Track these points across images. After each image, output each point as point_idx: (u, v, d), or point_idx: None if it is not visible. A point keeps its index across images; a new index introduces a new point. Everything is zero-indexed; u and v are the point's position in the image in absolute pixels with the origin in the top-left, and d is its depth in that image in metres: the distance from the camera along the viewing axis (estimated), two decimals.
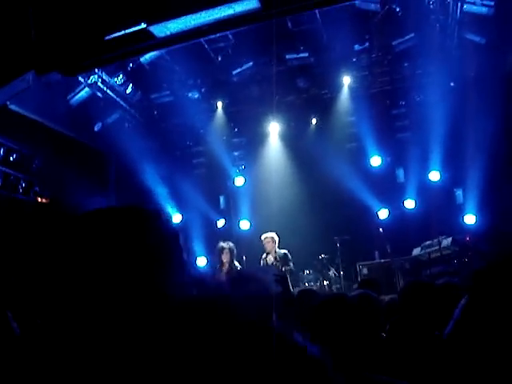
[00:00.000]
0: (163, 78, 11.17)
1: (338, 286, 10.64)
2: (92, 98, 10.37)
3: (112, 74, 10.66)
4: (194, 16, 5.48)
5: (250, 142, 12.93)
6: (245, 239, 11.58)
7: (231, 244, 9.56)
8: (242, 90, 11.68)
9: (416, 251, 10.48)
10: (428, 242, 10.21)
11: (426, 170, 11.24)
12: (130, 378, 1.09)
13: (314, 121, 12.43)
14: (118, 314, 1.14)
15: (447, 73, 10.43)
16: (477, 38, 9.71)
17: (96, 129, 10.82)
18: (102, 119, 10.97)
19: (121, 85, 11.06)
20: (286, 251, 9.58)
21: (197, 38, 6.57)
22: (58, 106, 9.88)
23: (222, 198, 13.18)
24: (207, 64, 10.97)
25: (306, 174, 11.99)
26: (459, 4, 9.14)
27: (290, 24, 9.86)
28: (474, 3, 8.96)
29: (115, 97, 10.93)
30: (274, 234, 9.64)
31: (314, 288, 9.56)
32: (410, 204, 11.45)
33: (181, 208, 12.65)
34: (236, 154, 13.05)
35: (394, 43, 10.43)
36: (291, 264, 9.48)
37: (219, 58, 10.79)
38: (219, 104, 12.26)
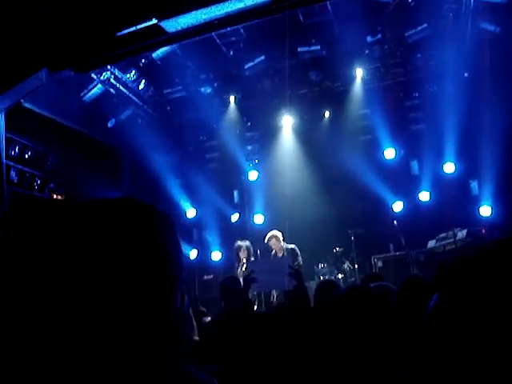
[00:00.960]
0: (175, 73, 11.18)
1: (353, 279, 10.61)
2: (105, 94, 10.42)
3: (124, 71, 10.69)
4: (204, 10, 5.47)
5: (263, 136, 12.91)
6: (259, 233, 11.58)
7: (248, 242, 9.71)
8: (254, 84, 11.66)
9: (431, 243, 10.42)
10: (443, 234, 10.13)
11: (440, 161, 11.14)
12: None
13: (327, 114, 12.37)
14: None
15: (461, 63, 10.31)
16: (491, 27, 9.59)
17: (109, 125, 10.87)
18: (115, 115, 11.02)
19: (133, 81, 11.10)
20: (293, 246, 9.52)
21: (208, 32, 6.57)
22: (72, 103, 9.94)
23: (235, 193, 13.18)
24: (219, 58, 10.96)
25: (320, 168, 11.94)
26: None
27: (301, 17, 9.81)
28: None
29: (128, 93, 10.97)
30: (275, 232, 9.60)
31: (333, 279, 9.57)
32: (424, 196, 11.37)
33: (195, 203, 12.70)
34: (249, 148, 13.03)
35: (406, 34, 10.33)
36: (300, 259, 9.45)
37: (231, 53, 10.78)
38: (232, 98, 12.24)
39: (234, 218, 12.79)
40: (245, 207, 12.78)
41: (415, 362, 2.28)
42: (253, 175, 12.86)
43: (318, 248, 11.01)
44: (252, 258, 9.62)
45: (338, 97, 12.01)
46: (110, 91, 10.45)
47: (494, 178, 10.16)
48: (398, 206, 11.52)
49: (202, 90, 11.83)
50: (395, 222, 10.47)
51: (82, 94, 10.14)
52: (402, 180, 11.56)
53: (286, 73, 11.03)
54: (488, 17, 9.49)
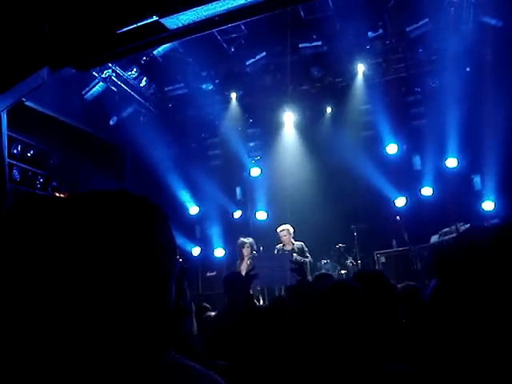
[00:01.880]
0: (177, 70, 11.18)
1: None
2: (106, 92, 10.43)
3: (125, 68, 10.69)
4: (205, 7, 5.46)
5: (264, 133, 12.90)
6: (262, 230, 11.61)
7: (251, 239, 9.84)
8: (255, 81, 11.64)
9: (434, 239, 10.40)
10: (446, 230, 10.11)
11: (442, 156, 11.13)
12: None
13: (328, 109, 12.36)
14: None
15: (463, 58, 10.29)
16: (493, 21, 9.55)
17: (111, 123, 10.88)
18: (116, 113, 11.03)
19: (135, 78, 11.09)
20: (302, 243, 9.66)
21: (209, 29, 6.54)
22: (73, 102, 9.96)
23: (238, 189, 13.18)
24: (220, 55, 10.96)
25: (322, 163, 11.94)
26: None
27: (302, 13, 9.79)
28: None
29: (129, 90, 10.96)
30: (289, 226, 9.71)
31: (330, 273, 9.58)
32: (427, 191, 11.36)
33: (197, 200, 12.71)
34: (251, 144, 13.03)
35: (408, 29, 10.30)
36: (309, 256, 9.57)
37: (232, 49, 10.77)
38: (233, 95, 12.24)
39: (237, 214, 12.80)
40: (247, 204, 12.79)
41: (411, 353, 2.28)
42: (255, 172, 12.86)
43: (321, 244, 11.01)
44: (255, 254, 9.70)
45: (339, 92, 12.00)
46: (111, 89, 10.45)
47: (496, 173, 10.14)
48: (400, 202, 11.51)
49: (204, 86, 11.82)
50: (398, 217, 10.46)
51: (83, 92, 10.15)
52: (405, 175, 11.55)
53: (288, 69, 11.02)
54: (489, 10, 9.45)
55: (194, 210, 12.71)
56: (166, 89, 12.03)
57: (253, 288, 7.73)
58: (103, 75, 10.09)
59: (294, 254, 9.15)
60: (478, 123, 10.09)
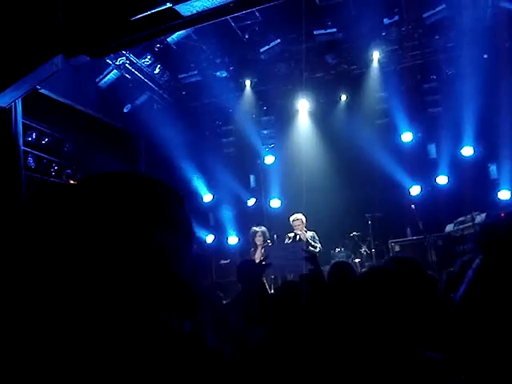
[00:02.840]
0: (191, 57, 11.15)
1: (370, 263, 10.58)
2: (120, 79, 10.42)
3: (139, 55, 10.67)
4: None
5: (279, 120, 12.84)
6: (275, 218, 11.60)
7: (264, 228, 9.86)
8: (270, 68, 11.59)
9: (449, 228, 10.34)
10: (461, 219, 10.05)
11: (458, 145, 11.03)
12: None
13: (343, 97, 12.28)
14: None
15: (480, 44, 10.13)
16: None
17: (125, 110, 10.89)
18: (130, 101, 11.03)
19: (148, 66, 11.06)
20: (314, 233, 9.64)
21: (223, 15, 6.49)
22: (88, 89, 9.97)
23: (252, 177, 13.17)
24: (234, 42, 10.90)
25: (336, 151, 11.89)
26: None
27: None
28: None
29: (143, 78, 10.95)
30: (302, 215, 9.68)
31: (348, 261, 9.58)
32: (442, 180, 11.28)
33: (211, 187, 12.72)
34: (265, 132, 12.99)
35: (424, 15, 10.15)
36: (319, 245, 9.54)
37: (246, 36, 10.70)
38: (247, 82, 12.19)
39: (251, 202, 12.80)
40: (261, 192, 12.78)
41: (450, 339, 2.24)
42: (269, 159, 12.84)
43: (335, 232, 11.00)
44: (269, 243, 9.70)
45: (354, 80, 11.90)
46: (125, 76, 10.44)
47: None
48: (415, 190, 11.45)
49: (218, 74, 11.77)
50: (413, 206, 10.39)
51: (97, 80, 10.15)
52: (420, 164, 11.47)
53: (302, 56, 10.95)
54: None
55: (207, 197, 12.73)
56: (179, 76, 11.98)
57: (266, 276, 7.75)
58: (117, 62, 10.08)
59: (309, 241, 9.14)
60: (495, 112, 9.97)
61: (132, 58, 10.36)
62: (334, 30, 10.50)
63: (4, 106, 6.37)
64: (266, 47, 10.93)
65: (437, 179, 11.30)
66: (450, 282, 3.79)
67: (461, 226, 9.96)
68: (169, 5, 5.36)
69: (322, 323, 2.52)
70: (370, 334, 2.22)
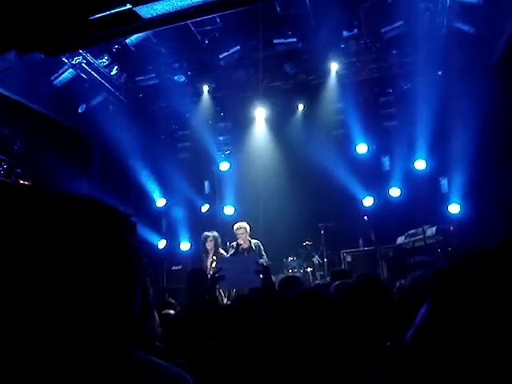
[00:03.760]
0: (149, 60, 11.00)
1: (322, 273, 10.66)
2: (76, 79, 10.19)
3: (97, 56, 10.47)
4: None
5: (235, 127, 12.83)
6: (229, 224, 11.53)
7: (215, 233, 9.71)
8: (228, 75, 11.56)
9: (400, 239, 10.51)
10: (412, 231, 10.23)
11: (411, 158, 11.23)
12: None
13: (300, 107, 12.37)
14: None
15: (435, 61, 10.40)
16: (466, 27, 9.64)
17: (80, 111, 10.65)
18: (86, 101, 10.80)
19: (105, 66, 10.88)
20: (258, 241, 9.57)
21: (184, 20, 6.46)
22: (42, 87, 9.71)
23: (206, 183, 13.12)
24: (194, 47, 10.82)
25: (292, 160, 11.94)
26: None
27: (278, 8, 9.73)
28: None
29: (100, 78, 10.76)
30: (245, 224, 9.60)
31: (298, 275, 9.55)
32: (395, 192, 11.45)
33: (165, 192, 12.59)
34: (221, 138, 12.98)
35: (382, 30, 10.33)
36: (265, 255, 9.49)
37: (206, 42, 10.63)
38: (205, 88, 12.14)
39: (204, 208, 12.73)
40: (215, 198, 12.73)
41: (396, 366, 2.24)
42: (224, 166, 12.81)
43: (288, 241, 11.02)
44: (220, 249, 9.64)
45: (312, 90, 11.99)
46: (81, 76, 10.23)
47: (463, 176, 10.26)
48: (368, 201, 11.58)
49: (176, 78, 11.68)
50: (365, 217, 10.53)
51: (52, 78, 9.90)
52: (373, 175, 11.63)
53: (261, 64, 10.96)
54: (463, 17, 9.54)
55: (161, 202, 12.58)
56: (137, 78, 11.83)
57: (219, 289, 7.69)
58: (73, 62, 9.87)
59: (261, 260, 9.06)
60: (448, 126, 10.20)
61: (89, 57, 10.18)
62: (294, 39, 10.57)
63: None
64: (226, 53, 10.90)
65: (390, 191, 11.46)
66: (401, 296, 3.83)
67: (412, 239, 10.14)
68: (129, 6, 5.28)
69: (275, 340, 2.49)
70: (320, 353, 2.19)
